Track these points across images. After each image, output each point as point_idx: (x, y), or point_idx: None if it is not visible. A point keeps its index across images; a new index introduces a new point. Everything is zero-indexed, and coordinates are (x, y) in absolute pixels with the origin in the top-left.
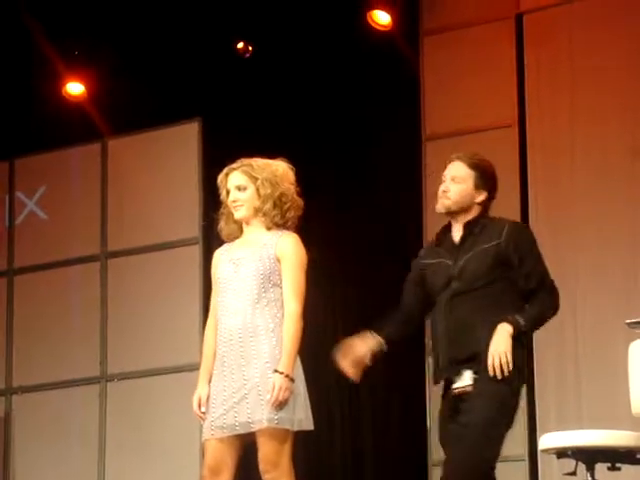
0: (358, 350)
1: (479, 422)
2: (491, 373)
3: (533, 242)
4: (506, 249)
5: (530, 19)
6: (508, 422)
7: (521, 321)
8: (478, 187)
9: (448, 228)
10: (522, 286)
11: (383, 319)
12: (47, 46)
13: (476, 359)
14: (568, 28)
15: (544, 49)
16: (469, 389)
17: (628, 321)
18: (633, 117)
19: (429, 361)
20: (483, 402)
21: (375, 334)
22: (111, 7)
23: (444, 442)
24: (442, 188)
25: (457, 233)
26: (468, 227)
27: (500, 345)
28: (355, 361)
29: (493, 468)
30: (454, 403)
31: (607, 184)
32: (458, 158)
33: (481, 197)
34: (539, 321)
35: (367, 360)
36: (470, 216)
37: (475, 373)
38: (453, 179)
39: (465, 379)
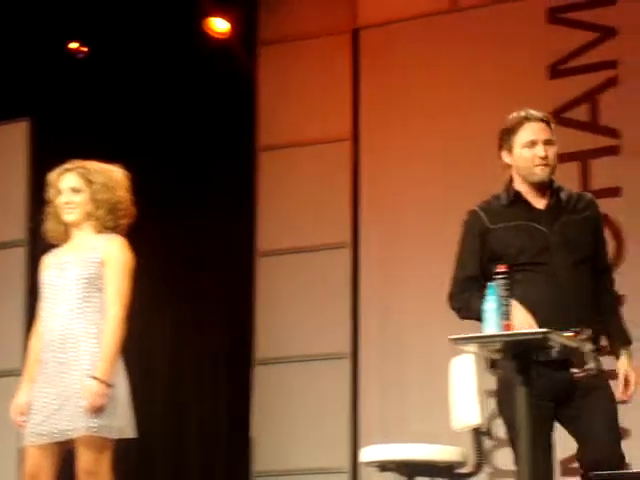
0: None
1: (614, 415)
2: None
3: None
4: (595, 223)
5: (367, 34)
6: None
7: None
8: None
9: (513, 191)
10: (599, 264)
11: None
12: None
13: (595, 341)
14: (403, 45)
15: (380, 64)
16: (593, 373)
17: (451, 337)
18: (465, 133)
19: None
20: (609, 393)
21: None
22: None
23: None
24: (538, 154)
25: (536, 199)
26: (557, 192)
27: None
28: None
29: None
30: (573, 386)
31: (438, 197)
32: (539, 119)
33: None
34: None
35: None
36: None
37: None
38: (548, 142)
39: (590, 362)
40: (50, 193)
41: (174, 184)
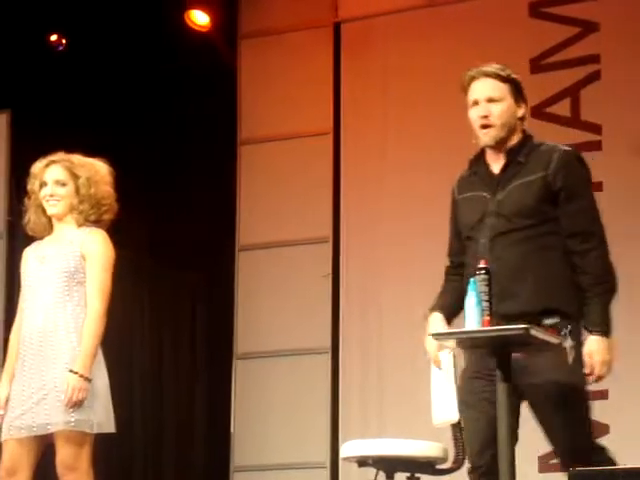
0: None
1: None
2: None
3: (586, 176)
4: (553, 182)
5: (347, 28)
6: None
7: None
8: (518, 101)
9: (481, 156)
10: (565, 229)
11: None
12: None
13: (528, 317)
14: (384, 39)
15: (361, 58)
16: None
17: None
18: (444, 127)
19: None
20: (558, 365)
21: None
22: None
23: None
24: (479, 114)
25: (496, 162)
26: (511, 154)
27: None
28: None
29: None
30: (517, 365)
31: (418, 195)
32: (485, 75)
33: (522, 111)
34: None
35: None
36: (513, 140)
37: None
38: (492, 100)
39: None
40: (33, 185)
41: (155, 178)
